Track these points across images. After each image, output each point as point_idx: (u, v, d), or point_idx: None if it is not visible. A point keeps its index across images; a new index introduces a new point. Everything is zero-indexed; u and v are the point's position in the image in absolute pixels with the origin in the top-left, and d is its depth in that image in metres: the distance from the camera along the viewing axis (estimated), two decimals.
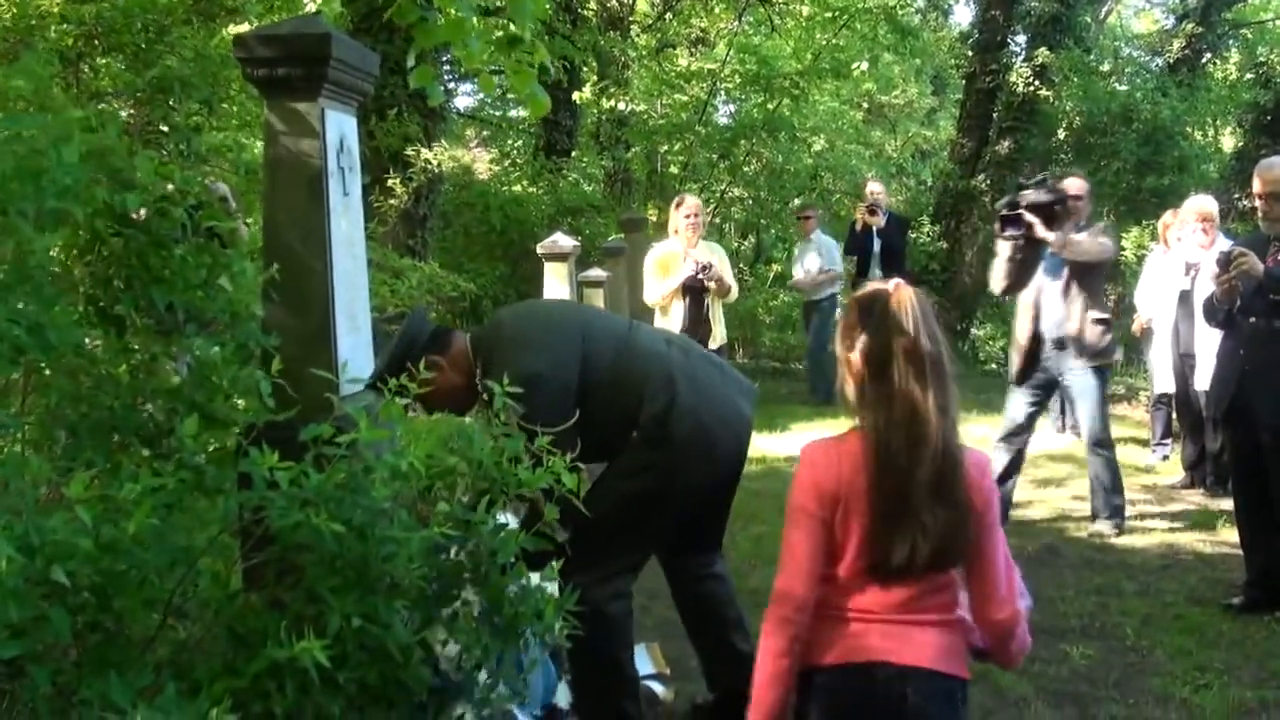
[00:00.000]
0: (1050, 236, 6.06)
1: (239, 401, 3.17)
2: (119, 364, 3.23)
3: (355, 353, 3.69)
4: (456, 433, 2.83)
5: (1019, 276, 6.47)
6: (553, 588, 2.94)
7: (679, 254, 8.41)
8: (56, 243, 3.16)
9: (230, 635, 2.48)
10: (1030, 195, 6.19)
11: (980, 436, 10.11)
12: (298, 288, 3.51)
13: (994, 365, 15.28)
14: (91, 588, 2.36)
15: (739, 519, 6.78)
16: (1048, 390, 6.83)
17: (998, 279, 6.62)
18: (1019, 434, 6.79)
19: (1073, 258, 6.28)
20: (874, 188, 11.78)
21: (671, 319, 8.35)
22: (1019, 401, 6.76)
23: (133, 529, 2.18)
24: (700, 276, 8.26)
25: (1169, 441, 8.86)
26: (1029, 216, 6.10)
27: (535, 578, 2.87)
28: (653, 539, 3.86)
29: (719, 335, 8.55)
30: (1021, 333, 6.61)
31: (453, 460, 2.69)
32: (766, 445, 9.49)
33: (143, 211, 3.19)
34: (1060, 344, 6.52)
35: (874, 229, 11.20)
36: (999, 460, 6.62)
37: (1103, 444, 6.63)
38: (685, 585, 4.09)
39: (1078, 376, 6.51)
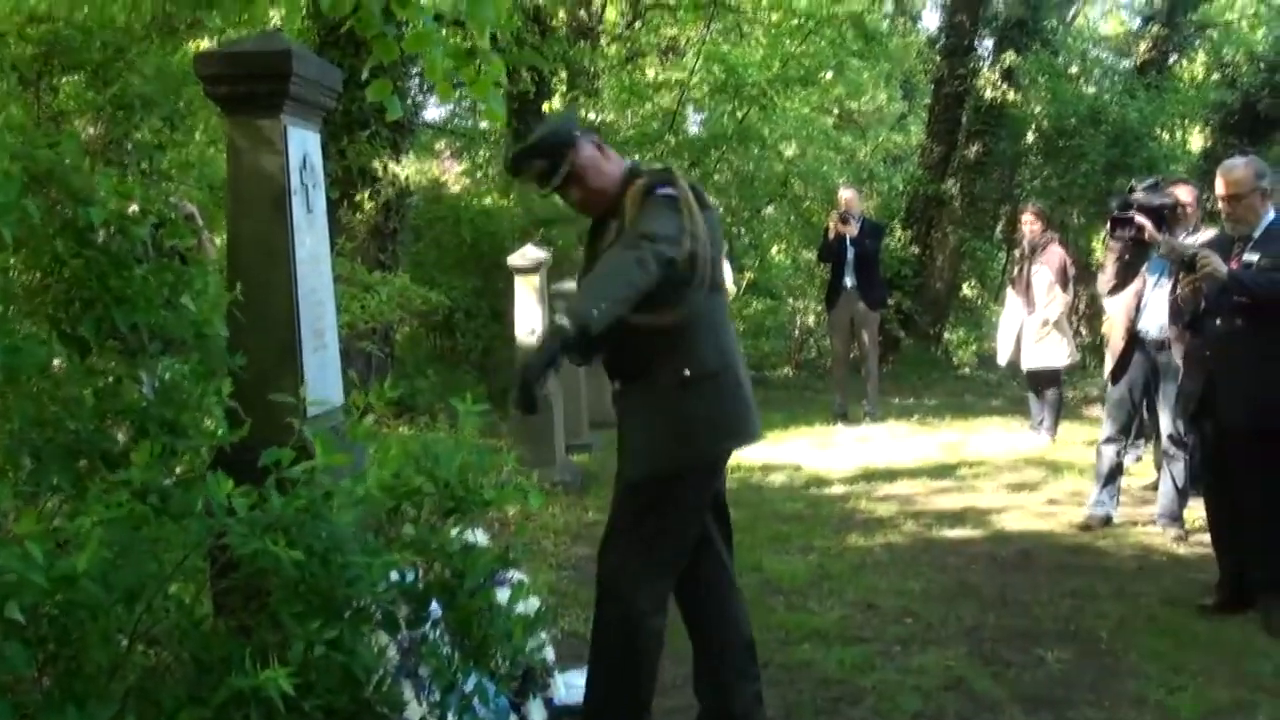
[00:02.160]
0: (1160, 238, 6.09)
1: (208, 421, 3.14)
2: (83, 386, 3.20)
3: (322, 370, 3.67)
4: (424, 451, 2.80)
5: (1125, 277, 6.57)
6: (523, 607, 2.92)
7: None
8: (14, 263, 3.13)
9: (196, 663, 2.45)
10: (1141, 198, 6.25)
11: (953, 441, 10.17)
12: (262, 306, 3.49)
13: (966, 369, 15.33)
14: (50, 620, 2.33)
15: None
16: (1146, 386, 6.93)
17: (1105, 279, 6.74)
18: (1126, 428, 7.08)
19: (1176, 259, 6.34)
20: (845, 194, 11.76)
21: None
22: (1122, 396, 6.92)
23: (82, 566, 2.15)
24: None
25: (1141, 442, 8.89)
26: (1140, 219, 6.15)
27: (504, 598, 2.85)
28: (693, 526, 3.68)
29: None
30: (1119, 331, 6.77)
31: (419, 480, 2.66)
32: (741, 453, 9.47)
33: (102, 233, 3.17)
34: (1161, 345, 6.65)
35: (847, 237, 11.20)
36: (1107, 459, 7.00)
37: (1183, 445, 6.67)
38: (710, 591, 3.85)
39: (1175, 376, 6.55)
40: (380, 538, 2.60)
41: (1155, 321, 6.60)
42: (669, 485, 3.56)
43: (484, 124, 18.67)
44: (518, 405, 3.12)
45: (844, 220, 11.19)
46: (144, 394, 3.33)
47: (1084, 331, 14.93)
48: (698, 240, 3.41)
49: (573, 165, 3.51)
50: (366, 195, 10.62)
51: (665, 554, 3.61)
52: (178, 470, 3.01)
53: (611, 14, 18.54)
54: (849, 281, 11.39)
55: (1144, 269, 6.56)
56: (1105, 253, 6.89)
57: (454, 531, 2.81)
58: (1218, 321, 5.20)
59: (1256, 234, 5.17)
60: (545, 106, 15.01)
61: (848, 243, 11.24)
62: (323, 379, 3.60)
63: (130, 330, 3.17)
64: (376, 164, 10.69)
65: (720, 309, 3.72)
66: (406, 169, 11.10)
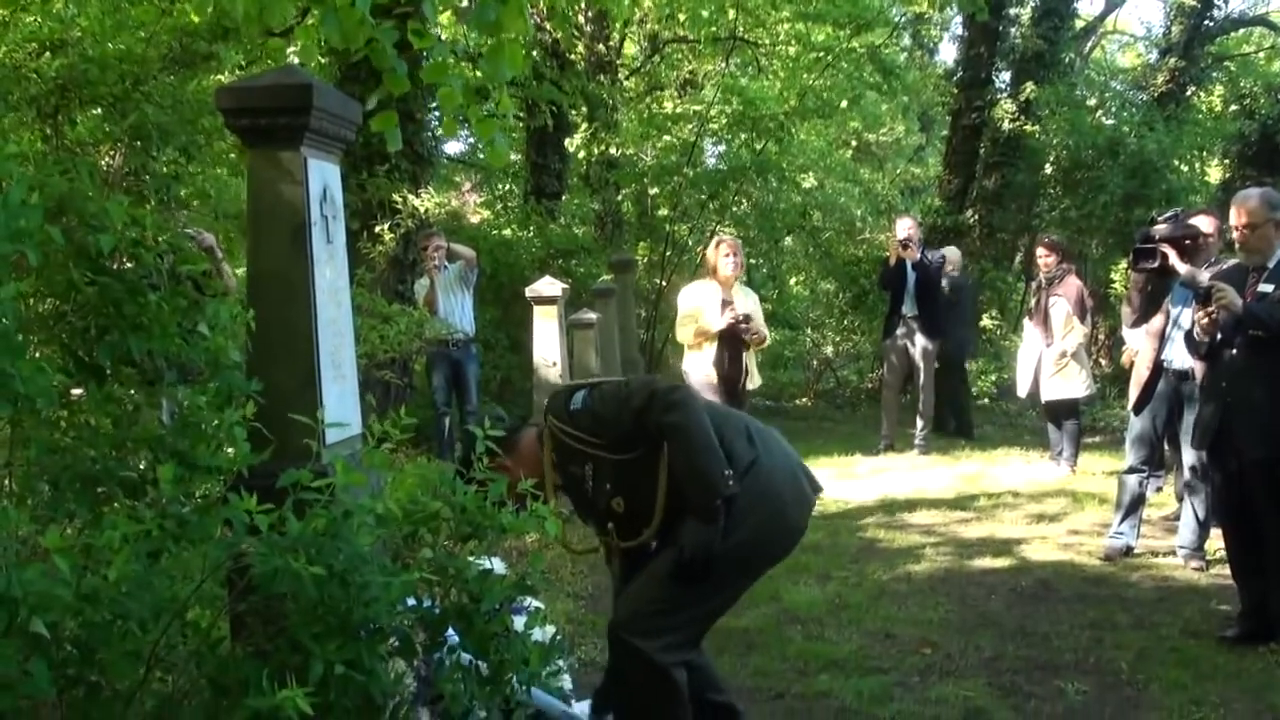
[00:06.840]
0: (1182, 268, 6.07)
1: (228, 450, 3.15)
2: (101, 414, 3.22)
3: (340, 400, 3.68)
4: (440, 477, 2.81)
5: (1148, 309, 6.58)
6: (540, 634, 2.93)
7: (714, 299, 8.21)
8: (27, 289, 3.16)
9: (213, 686, 2.46)
10: (1163, 229, 6.25)
11: (973, 473, 10.13)
12: (282, 336, 3.50)
13: (986, 400, 15.25)
14: (73, 640, 2.34)
15: None
16: (1169, 417, 6.90)
17: (1129, 311, 6.79)
18: (1149, 459, 7.03)
19: (1195, 289, 6.33)
20: (904, 223, 11.40)
21: (704, 355, 8.18)
22: (1145, 427, 6.87)
23: (113, 575, 2.17)
24: (741, 327, 8.08)
25: (1162, 473, 8.84)
26: (1164, 248, 6.14)
27: (520, 624, 2.86)
28: (724, 607, 3.82)
29: (756, 378, 8.41)
30: (1144, 361, 6.73)
31: (436, 505, 2.68)
32: None
33: (125, 261, 3.20)
34: (1184, 376, 6.57)
35: (908, 262, 10.93)
36: (1129, 489, 6.97)
37: (1204, 476, 6.63)
38: None
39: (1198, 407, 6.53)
40: (397, 562, 2.61)
41: (1179, 353, 6.56)
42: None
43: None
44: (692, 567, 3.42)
45: (905, 245, 10.86)
46: (162, 422, 3.35)
47: (1103, 362, 14.86)
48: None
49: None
50: (386, 227, 10.68)
51: (699, 619, 3.75)
52: (195, 495, 3.03)
53: (630, 48, 18.69)
54: (908, 310, 11.13)
55: (1167, 301, 6.54)
56: (1129, 285, 6.88)
57: (471, 558, 2.82)
58: (1233, 353, 5.19)
59: (1271, 264, 5.17)
60: (566, 143, 15.12)
61: (909, 269, 10.96)
62: (341, 409, 3.62)
63: (146, 358, 3.19)
64: (396, 196, 10.76)
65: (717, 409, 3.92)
66: (426, 201, 11.16)
